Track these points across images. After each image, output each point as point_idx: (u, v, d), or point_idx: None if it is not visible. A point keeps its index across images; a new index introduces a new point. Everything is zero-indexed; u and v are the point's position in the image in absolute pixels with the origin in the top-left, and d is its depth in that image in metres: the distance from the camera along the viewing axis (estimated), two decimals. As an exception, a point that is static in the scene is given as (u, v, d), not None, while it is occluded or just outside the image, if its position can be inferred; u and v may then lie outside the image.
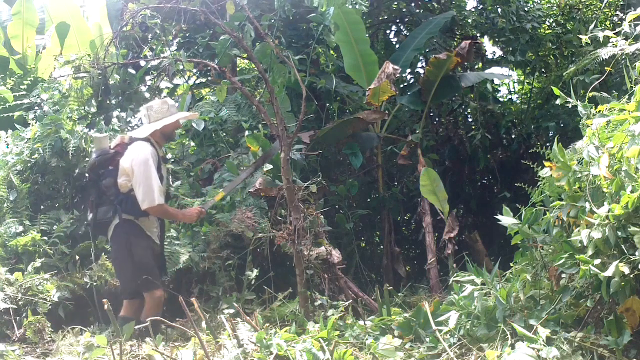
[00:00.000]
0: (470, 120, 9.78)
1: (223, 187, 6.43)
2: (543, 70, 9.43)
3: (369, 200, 8.53)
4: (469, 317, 3.55)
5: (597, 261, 2.94)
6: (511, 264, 3.89)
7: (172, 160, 6.96)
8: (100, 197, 4.49)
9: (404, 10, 10.13)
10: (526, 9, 8.86)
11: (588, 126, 3.38)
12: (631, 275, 2.83)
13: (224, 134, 7.18)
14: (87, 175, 4.77)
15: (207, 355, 3.22)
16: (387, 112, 8.02)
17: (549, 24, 8.99)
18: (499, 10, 8.88)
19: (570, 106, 3.71)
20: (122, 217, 4.41)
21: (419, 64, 9.68)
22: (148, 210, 4.34)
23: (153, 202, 4.28)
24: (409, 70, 9.31)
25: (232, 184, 5.70)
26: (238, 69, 9.38)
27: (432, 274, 7.07)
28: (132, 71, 7.74)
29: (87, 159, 6.18)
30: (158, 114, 4.55)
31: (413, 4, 10.02)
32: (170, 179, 4.90)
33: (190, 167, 6.88)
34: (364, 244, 8.98)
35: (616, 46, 4.81)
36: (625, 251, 2.89)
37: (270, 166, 6.30)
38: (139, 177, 4.32)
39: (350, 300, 5.07)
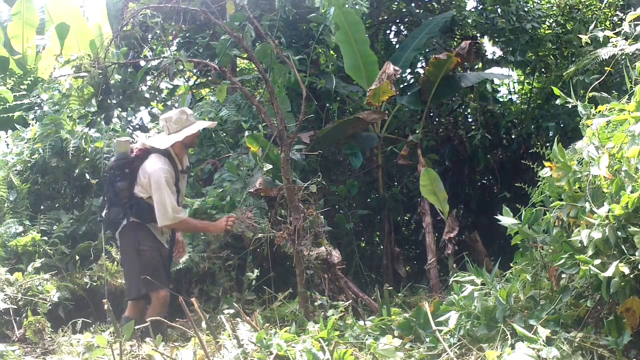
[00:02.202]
0: (470, 120, 9.78)
1: (223, 186, 6.43)
2: (543, 70, 9.43)
3: (369, 200, 8.53)
4: (469, 317, 3.54)
5: (597, 261, 2.94)
6: (511, 264, 3.88)
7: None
8: (115, 197, 4.51)
9: (404, 10, 10.13)
10: (526, 9, 8.86)
11: (588, 126, 3.38)
12: (631, 276, 2.83)
13: (224, 134, 7.19)
14: (105, 173, 4.80)
15: (207, 355, 3.22)
16: (387, 112, 8.02)
17: (548, 24, 9.00)
18: (499, 10, 8.88)
19: (570, 106, 3.71)
20: (130, 219, 4.43)
21: (419, 64, 9.69)
22: (167, 227, 4.40)
23: (167, 219, 4.32)
24: (409, 71, 9.32)
25: None
26: (238, 69, 9.38)
27: (432, 274, 7.07)
28: (133, 71, 7.75)
29: (87, 159, 6.19)
30: (177, 124, 4.50)
31: (413, 4, 10.03)
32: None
33: (191, 167, 6.89)
34: (364, 244, 8.98)
35: (616, 46, 4.82)
36: (625, 251, 2.89)
37: (270, 166, 6.30)
38: (154, 196, 4.37)
39: (350, 301, 5.06)
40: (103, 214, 4.63)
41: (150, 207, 4.40)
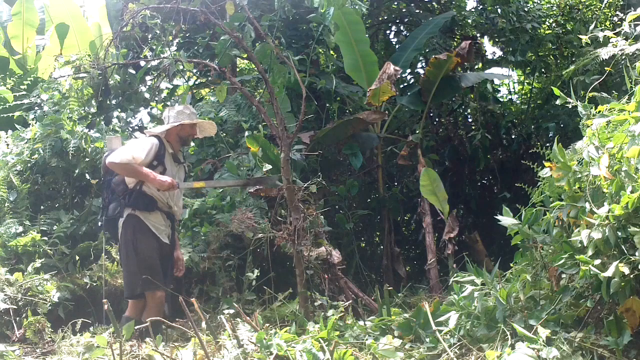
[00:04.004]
0: (470, 120, 9.79)
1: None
2: (543, 70, 9.44)
3: (369, 200, 8.53)
4: (469, 317, 3.55)
5: (597, 261, 2.94)
6: (511, 265, 3.89)
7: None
8: (112, 195, 4.54)
9: (404, 10, 10.14)
10: (526, 9, 8.87)
11: (588, 126, 3.38)
12: (631, 276, 2.83)
13: (224, 134, 7.19)
14: (102, 175, 4.84)
15: (207, 355, 3.22)
16: (387, 112, 8.02)
17: (549, 25, 9.00)
18: (499, 10, 8.88)
19: (570, 106, 3.71)
20: (127, 212, 4.43)
21: (419, 64, 9.69)
22: (111, 167, 4.33)
23: (116, 158, 4.28)
24: (409, 71, 9.32)
25: (218, 182, 5.75)
26: (238, 70, 9.38)
27: (432, 275, 7.07)
28: (132, 71, 7.74)
29: (87, 159, 6.19)
30: (179, 115, 4.61)
31: (413, 5, 10.03)
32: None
33: (191, 167, 6.89)
34: (364, 245, 8.98)
35: (616, 46, 4.82)
36: (625, 251, 2.89)
37: (270, 166, 6.31)
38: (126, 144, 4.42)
39: (350, 301, 5.06)
40: (103, 218, 4.65)
41: (142, 193, 4.42)
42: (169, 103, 9.03)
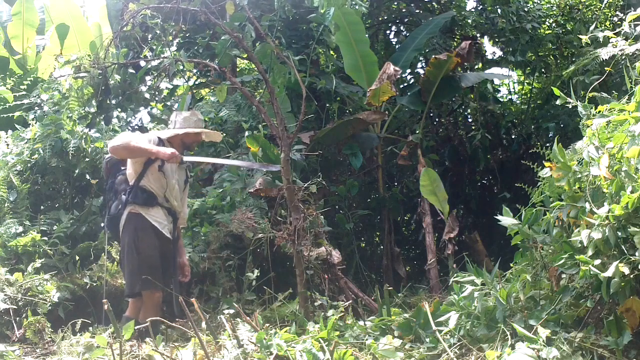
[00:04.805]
0: (470, 120, 9.79)
1: (223, 186, 6.44)
2: (543, 70, 9.45)
3: (369, 200, 8.54)
4: (469, 317, 3.55)
5: (597, 261, 2.94)
6: (511, 265, 3.89)
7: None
8: (115, 195, 4.56)
9: (403, 10, 10.15)
10: (526, 9, 8.88)
11: (588, 126, 3.38)
12: (631, 276, 2.83)
13: (224, 134, 7.19)
14: (105, 178, 4.86)
15: (207, 355, 3.22)
16: (387, 112, 8.02)
17: (549, 25, 9.01)
18: (499, 10, 8.90)
19: (570, 107, 3.71)
20: (128, 209, 4.43)
21: (419, 65, 9.70)
22: (113, 151, 4.35)
23: (117, 141, 4.32)
24: (409, 71, 9.33)
25: (224, 161, 5.80)
26: (238, 70, 9.39)
27: (432, 275, 7.07)
28: (132, 71, 7.75)
29: (87, 159, 6.19)
30: (186, 121, 4.64)
31: (413, 4, 10.04)
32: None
33: (191, 167, 6.89)
34: (364, 245, 8.98)
35: (616, 46, 4.82)
36: (626, 251, 2.89)
37: (270, 166, 6.32)
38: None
39: (350, 301, 5.06)
40: (105, 219, 4.66)
41: (140, 188, 4.43)
42: (168, 103, 9.03)
